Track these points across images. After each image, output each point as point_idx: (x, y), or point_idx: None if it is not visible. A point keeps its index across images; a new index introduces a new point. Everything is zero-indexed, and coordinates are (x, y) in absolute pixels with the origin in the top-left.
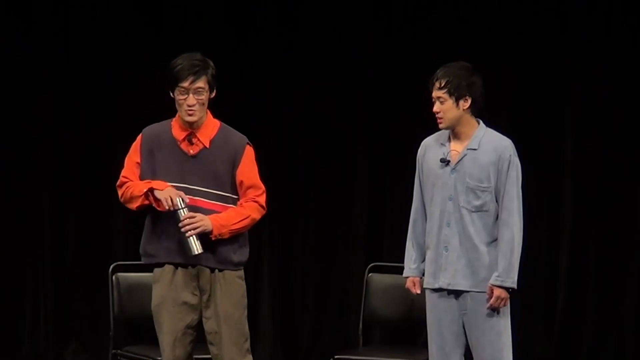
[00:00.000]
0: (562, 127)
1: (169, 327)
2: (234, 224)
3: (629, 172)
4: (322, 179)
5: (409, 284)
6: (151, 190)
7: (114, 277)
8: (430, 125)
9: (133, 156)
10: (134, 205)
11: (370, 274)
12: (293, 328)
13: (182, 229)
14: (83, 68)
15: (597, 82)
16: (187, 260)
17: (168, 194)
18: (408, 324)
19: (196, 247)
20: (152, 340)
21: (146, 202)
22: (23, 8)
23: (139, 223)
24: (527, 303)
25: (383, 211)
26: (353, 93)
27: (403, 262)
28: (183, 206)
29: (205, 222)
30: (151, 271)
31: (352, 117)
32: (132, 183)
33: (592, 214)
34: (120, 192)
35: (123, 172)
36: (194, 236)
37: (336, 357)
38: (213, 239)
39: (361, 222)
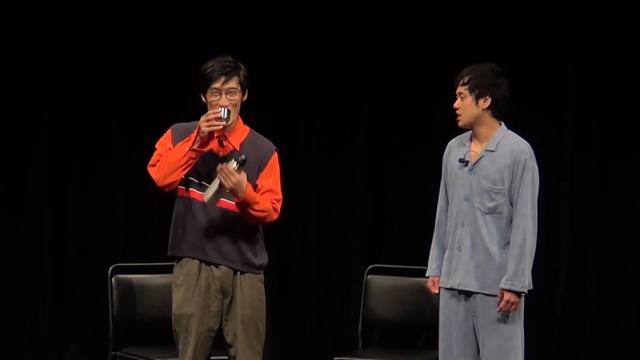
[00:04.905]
0: (562, 127)
1: (193, 331)
2: (255, 203)
3: (628, 172)
4: (321, 181)
5: (429, 283)
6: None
7: (113, 279)
8: (431, 126)
9: (165, 144)
10: (175, 175)
11: (369, 276)
12: (293, 330)
13: (218, 172)
14: (82, 70)
15: (597, 82)
16: (211, 259)
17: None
18: (407, 326)
19: (210, 195)
20: (151, 341)
21: (192, 160)
22: (22, 11)
23: (138, 225)
24: (526, 303)
25: (382, 213)
26: (353, 95)
27: (402, 264)
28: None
29: (240, 186)
30: (150, 273)
31: (352, 118)
32: (166, 154)
33: (591, 214)
34: (155, 171)
35: (157, 153)
36: (216, 187)
37: (335, 358)
38: (236, 201)
39: (360, 224)
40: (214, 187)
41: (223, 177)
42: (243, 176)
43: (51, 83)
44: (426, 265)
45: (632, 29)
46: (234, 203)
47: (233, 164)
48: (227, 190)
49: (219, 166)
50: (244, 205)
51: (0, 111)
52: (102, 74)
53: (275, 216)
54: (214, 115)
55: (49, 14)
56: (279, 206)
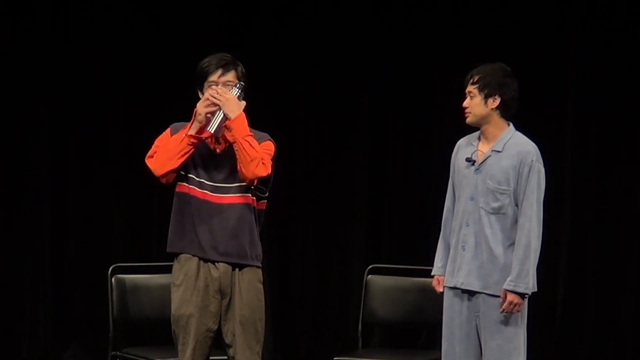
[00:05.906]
0: (562, 128)
1: (192, 331)
2: (248, 135)
3: (628, 173)
4: (321, 181)
5: (434, 282)
6: (189, 136)
7: (113, 279)
8: (432, 126)
9: (163, 139)
10: (173, 163)
11: (369, 276)
12: (293, 330)
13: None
14: (81, 72)
15: (597, 82)
16: (209, 256)
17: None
18: (407, 326)
19: (215, 125)
20: (151, 341)
21: (190, 147)
22: (21, 13)
23: (138, 225)
24: (527, 303)
25: (382, 213)
26: (353, 94)
27: (402, 264)
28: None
29: (236, 104)
30: (150, 273)
31: (352, 119)
32: (164, 144)
33: (591, 214)
34: (153, 161)
35: (155, 145)
36: (221, 117)
37: (335, 358)
38: (228, 123)
39: (360, 224)
40: (218, 117)
41: (218, 95)
42: (242, 102)
43: (51, 84)
44: (426, 265)
45: (631, 28)
46: (232, 195)
47: (234, 91)
48: (225, 113)
49: (214, 87)
50: (236, 131)
51: (0, 112)
52: (101, 74)
53: (263, 171)
54: (210, 95)
55: (48, 18)
56: (268, 165)
